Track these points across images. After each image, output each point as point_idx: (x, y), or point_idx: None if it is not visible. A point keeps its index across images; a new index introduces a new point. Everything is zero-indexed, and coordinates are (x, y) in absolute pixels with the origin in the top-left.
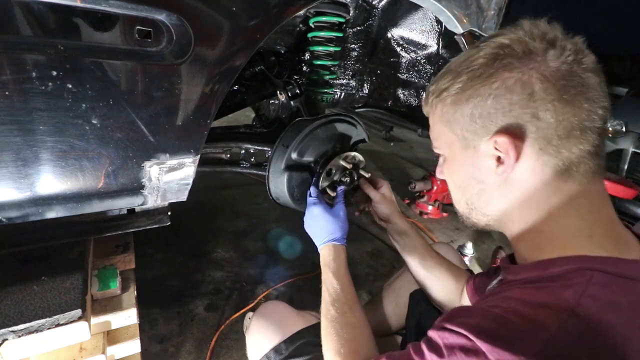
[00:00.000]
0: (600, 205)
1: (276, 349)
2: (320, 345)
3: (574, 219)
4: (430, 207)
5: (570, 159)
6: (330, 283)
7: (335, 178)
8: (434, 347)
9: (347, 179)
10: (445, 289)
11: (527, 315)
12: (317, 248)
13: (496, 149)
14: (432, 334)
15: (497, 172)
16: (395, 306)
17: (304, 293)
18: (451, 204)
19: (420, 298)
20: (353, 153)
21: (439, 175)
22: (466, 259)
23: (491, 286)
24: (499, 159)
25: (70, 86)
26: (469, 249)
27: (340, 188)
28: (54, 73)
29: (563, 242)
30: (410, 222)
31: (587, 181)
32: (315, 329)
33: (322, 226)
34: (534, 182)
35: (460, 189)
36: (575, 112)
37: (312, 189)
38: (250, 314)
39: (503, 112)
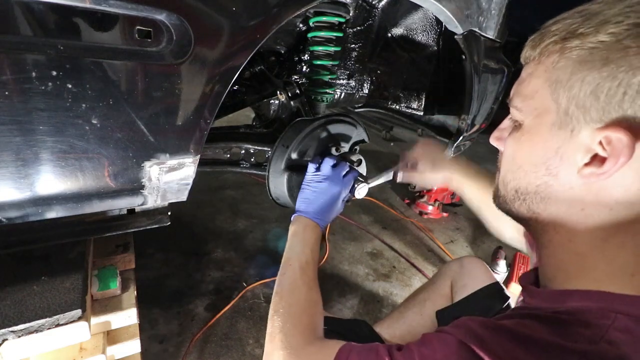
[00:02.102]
0: None
1: None
2: (325, 332)
3: (627, 253)
4: (430, 207)
5: None
6: (302, 253)
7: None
8: (422, 341)
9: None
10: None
11: (528, 342)
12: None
13: (601, 143)
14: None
15: (582, 172)
16: (420, 317)
17: None
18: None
19: (449, 319)
20: (353, 153)
21: (494, 141)
22: (498, 277)
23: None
24: (596, 157)
25: (70, 86)
26: (502, 267)
27: (328, 159)
28: (54, 73)
29: (597, 276)
30: (462, 167)
31: None
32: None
33: (322, 196)
34: (617, 201)
35: (520, 170)
36: None
37: (330, 158)
38: None
39: None
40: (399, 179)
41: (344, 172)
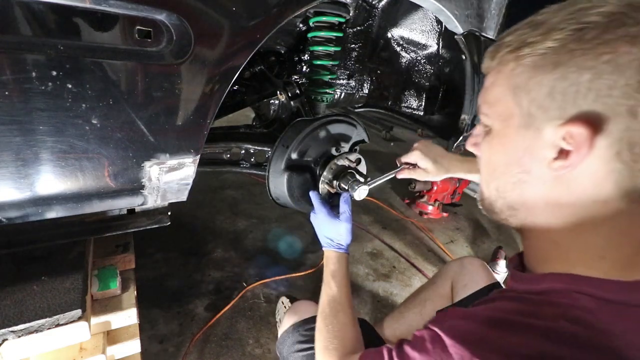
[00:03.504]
0: None
1: (294, 326)
2: None
3: (600, 238)
4: (430, 207)
5: None
6: (329, 284)
7: (335, 182)
8: (413, 342)
9: (348, 182)
10: None
11: (497, 323)
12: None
13: (564, 139)
14: (415, 332)
15: (552, 165)
16: (420, 317)
17: (304, 291)
18: (451, 204)
19: None
20: (353, 153)
21: (471, 147)
22: (498, 277)
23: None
24: (562, 151)
25: (70, 86)
26: (502, 267)
27: (346, 198)
28: (54, 73)
29: (570, 260)
30: (461, 162)
31: None
32: None
33: (325, 232)
34: (587, 190)
35: (495, 172)
36: None
37: (313, 195)
38: (283, 298)
39: (597, 96)
40: (400, 175)
41: (324, 209)
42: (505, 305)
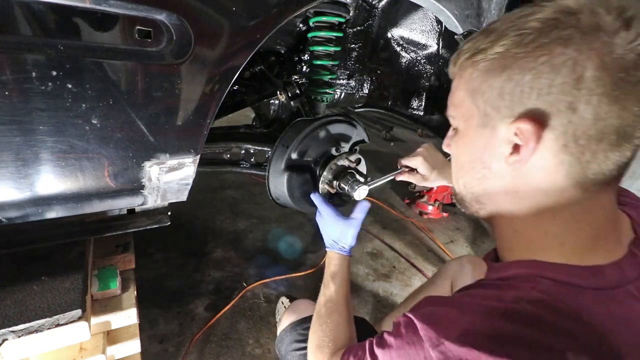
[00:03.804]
0: (597, 213)
1: (293, 325)
2: None
3: (558, 226)
4: (430, 207)
5: (590, 166)
6: (327, 285)
7: (335, 182)
8: (392, 329)
9: (348, 182)
10: None
11: (462, 305)
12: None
13: (516, 134)
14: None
15: (508, 160)
16: None
17: (304, 291)
18: (451, 204)
19: None
20: (353, 153)
21: (445, 148)
22: None
23: None
24: (515, 147)
25: (70, 86)
26: None
27: (364, 207)
28: (54, 73)
29: (533, 248)
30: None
31: (595, 190)
32: None
33: (330, 233)
34: (541, 181)
35: (462, 169)
36: (620, 113)
37: (315, 197)
38: (283, 298)
39: (538, 94)
40: (399, 178)
41: (328, 208)
42: (475, 292)
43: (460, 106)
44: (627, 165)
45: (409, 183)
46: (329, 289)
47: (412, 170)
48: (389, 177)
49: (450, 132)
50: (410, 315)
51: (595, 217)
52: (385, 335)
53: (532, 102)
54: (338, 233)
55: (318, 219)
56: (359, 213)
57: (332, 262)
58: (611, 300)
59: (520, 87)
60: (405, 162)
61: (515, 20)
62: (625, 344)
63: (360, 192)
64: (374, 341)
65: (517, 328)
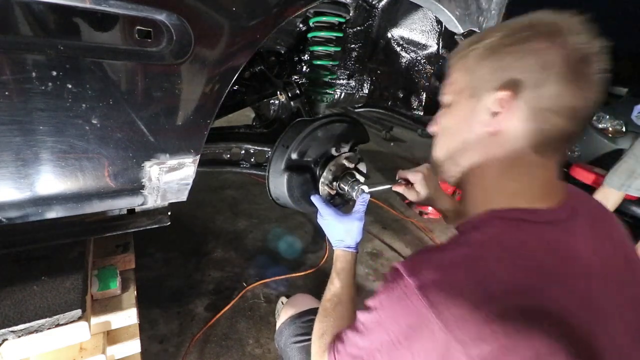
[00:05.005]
0: (547, 172)
1: (292, 318)
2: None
3: (516, 181)
4: (430, 207)
5: (550, 134)
6: (333, 282)
7: (335, 182)
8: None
9: (348, 182)
10: None
11: (437, 251)
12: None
13: (497, 102)
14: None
15: (487, 123)
16: None
17: (304, 291)
18: None
19: None
20: (353, 153)
21: (431, 126)
22: None
23: None
24: (494, 114)
25: (70, 86)
26: None
27: (364, 199)
28: (54, 73)
29: (495, 200)
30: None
31: (549, 155)
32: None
33: (335, 233)
34: (512, 144)
35: (448, 134)
36: (574, 94)
37: (315, 198)
38: (283, 298)
39: (516, 71)
40: (395, 188)
41: (328, 209)
42: (445, 243)
43: (454, 83)
44: (576, 135)
45: (403, 196)
46: (335, 285)
47: (408, 184)
48: (387, 186)
49: (439, 112)
50: (396, 265)
51: (544, 174)
52: (367, 302)
53: (508, 77)
54: (342, 232)
55: (320, 220)
56: (360, 205)
57: (339, 259)
58: (545, 231)
59: (505, 64)
60: (405, 174)
61: (505, 24)
62: (555, 266)
63: (360, 192)
64: (358, 313)
65: (478, 252)
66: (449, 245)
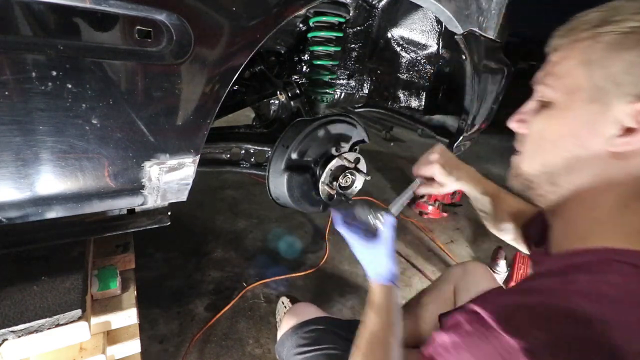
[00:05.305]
0: None
1: (293, 328)
2: (324, 331)
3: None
4: (430, 207)
5: None
6: (368, 315)
7: (335, 182)
8: (454, 325)
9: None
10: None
11: (530, 291)
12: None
13: (633, 116)
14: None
15: (613, 142)
16: (422, 321)
17: (304, 291)
18: (451, 204)
19: None
20: (352, 153)
21: (513, 124)
22: (498, 277)
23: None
24: (627, 129)
25: (70, 86)
26: (502, 267)
27: (390, 222)
28: (54, 73)
29: (611, 236)
30: (476, 183)
31: None
32: (324, 320)
33: (365, 261)
34: (639, 168)
35: (545, 145)
36: None
37: (338, 225)
38: (283, 298)
39: None
40: (420, 192)
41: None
42: (538, 280)
43: (565, 77)
44: None
45: (409, 183)
46: (371, 321)
47: (428, 179)
48: (408, 194)
49: (529, 107)
50: (476, 308)
51: None
52: (441, 338)
53: None
54: (371, 259)
55: (352, 248)
56: (384, 228)
57: (374, 293)
58: None
59: None
60: (422, 171)
61: None
62: None
63: (382, 216)
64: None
65: (598, 308)
66: (555, 289)
